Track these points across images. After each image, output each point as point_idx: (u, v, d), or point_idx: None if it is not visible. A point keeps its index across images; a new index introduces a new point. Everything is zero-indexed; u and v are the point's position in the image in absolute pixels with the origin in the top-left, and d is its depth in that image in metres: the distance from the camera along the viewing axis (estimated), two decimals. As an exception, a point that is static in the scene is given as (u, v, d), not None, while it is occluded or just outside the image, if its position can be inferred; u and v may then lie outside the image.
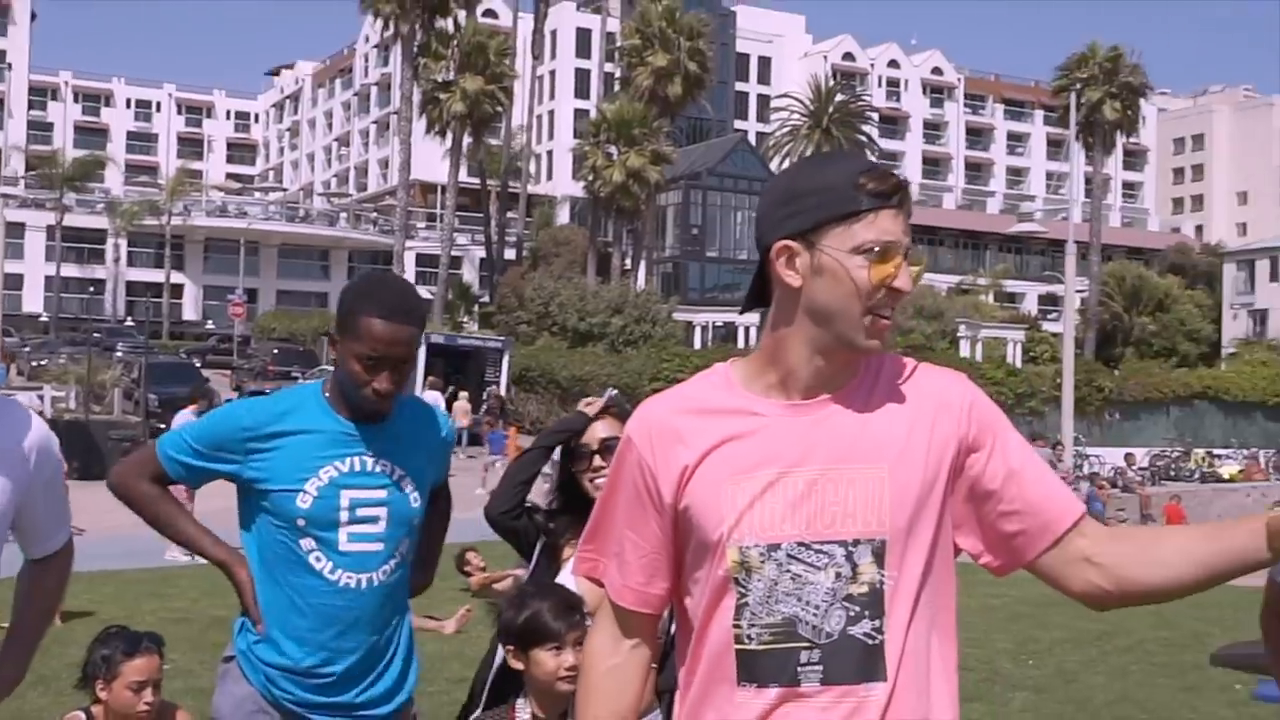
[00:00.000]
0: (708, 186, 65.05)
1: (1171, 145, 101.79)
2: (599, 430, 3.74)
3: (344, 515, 3.11)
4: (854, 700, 1.96)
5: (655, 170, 51.78)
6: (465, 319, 58.61)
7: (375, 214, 75.64)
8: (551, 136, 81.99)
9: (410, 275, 59.38)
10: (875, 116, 72.46)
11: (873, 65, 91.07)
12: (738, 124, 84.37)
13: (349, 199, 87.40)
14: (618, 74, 60.05)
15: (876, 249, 1.99)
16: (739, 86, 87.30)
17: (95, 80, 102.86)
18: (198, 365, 40.85)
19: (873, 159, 2.19)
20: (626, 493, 2.13)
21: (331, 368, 3.21)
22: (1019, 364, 47.85)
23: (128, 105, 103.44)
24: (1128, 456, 36.13)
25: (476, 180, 62.03)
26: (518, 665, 3.19)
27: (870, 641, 1.97)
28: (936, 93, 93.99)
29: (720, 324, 53.47)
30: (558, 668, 3.11)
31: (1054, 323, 59.95)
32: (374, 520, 3.14)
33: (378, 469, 3.15)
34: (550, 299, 47.88)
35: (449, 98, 51.93)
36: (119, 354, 41.04)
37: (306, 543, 3.10)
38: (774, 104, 74.81)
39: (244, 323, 55.50)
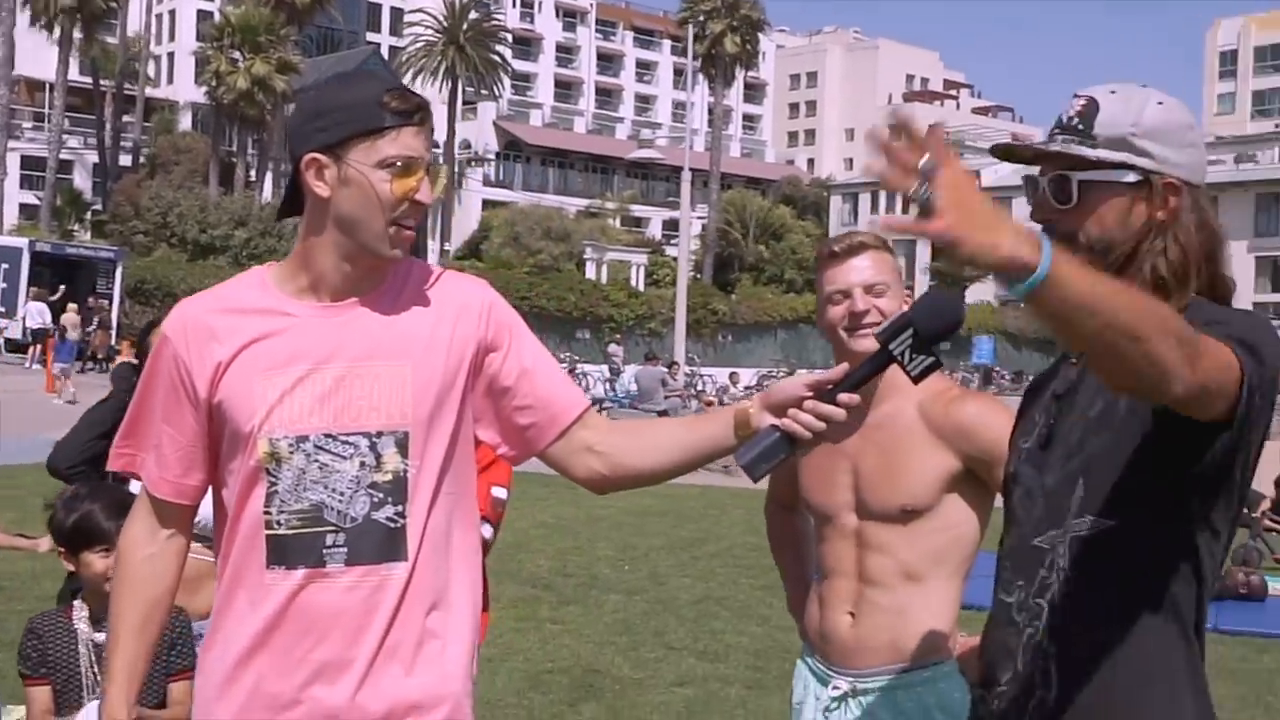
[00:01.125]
0: (338, 99, 63.38)
1: (788, 81, 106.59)
2: None
3: None
4: (376, 579, 2.15)
5: (282, 79, 50.20)
6: (75, 227, 55.33)
7: (-27, 111, 69.85)
8: (173, 38, 77.73)
9: (14, 178, 55.40)
10: (509, 37, 72.48)
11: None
12: (370, 37, 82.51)
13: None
14: (243, -24, 57.54)
15: (399, 163, 2.15)
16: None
17: None
18: None
19: (397, 79, 2.35)
20: (163, 388, 2.24)
21: None
22: (642, 287, 49.40)
23: None
24: (732, 375, 38.03)
25: (89, 80, 58.32)
26: (70, 567, 3.20)
27: (393, 525, 2.16)
28: (569, 16, 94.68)
29: (348, 240, 52.48)
30: (106, 569, 3.04)
31: (676, 248, 62.04)
32: None
33: None
34: (169, 209, 45.89)
35: (56, -11, 48.59)
36: None
37: None
38: (408, 18, 73.58)
39: None
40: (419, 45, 65.02)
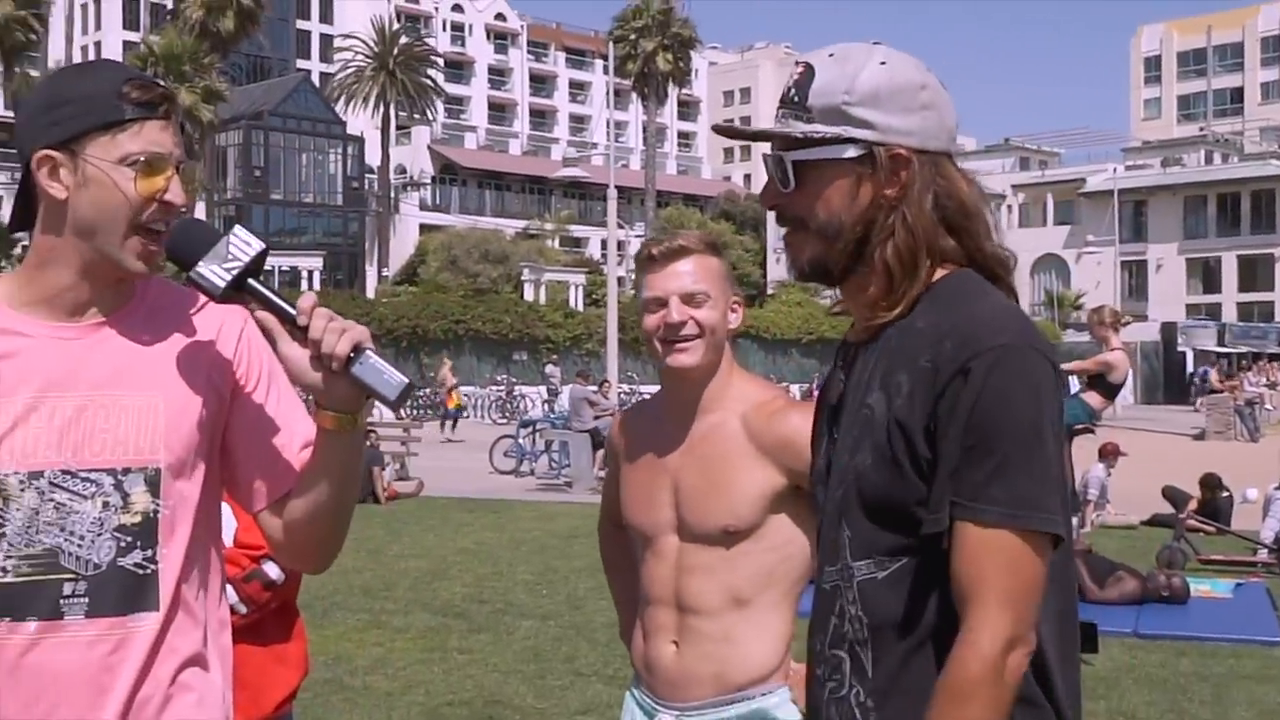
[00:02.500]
0: (270, 127, 62.93)
1: (722, 97, 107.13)
2: None
3: None
4: (122, 632, 1.92)
5: (209, 109, 49.61)
6: (4, 264, 54.46)
7: (-104, 148, 68.73)
8: (98, 69, 77.03)
9: (-64, 216, 54.57)
10: (440, 60, 72.31)
11: (436, 9, 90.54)
12: (301, 64, 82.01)
13: None
14: (168, 5, 57.08)
15: (143, 159, 1.93)
16: (301, 24, 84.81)
17: None
18: None
19: (137, 69, 2.10)
20: None
21: None
22: (581, 307, 49.19)
23: None
24: (662, 391, 38.07)
25: (12, 115, 57.63)
26: None
27: (141, 572, 1.94)
28: (500, 39, 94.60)
29: (286, 268, 51.98)
30: None
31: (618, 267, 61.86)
32: None
33: None
34: (97, 242, 45.24)
35: (-26, 23, 47.93)
36: None
37: None
38: (337, 44, 73.26)
39: None
40: (349, 71, 64.80)
